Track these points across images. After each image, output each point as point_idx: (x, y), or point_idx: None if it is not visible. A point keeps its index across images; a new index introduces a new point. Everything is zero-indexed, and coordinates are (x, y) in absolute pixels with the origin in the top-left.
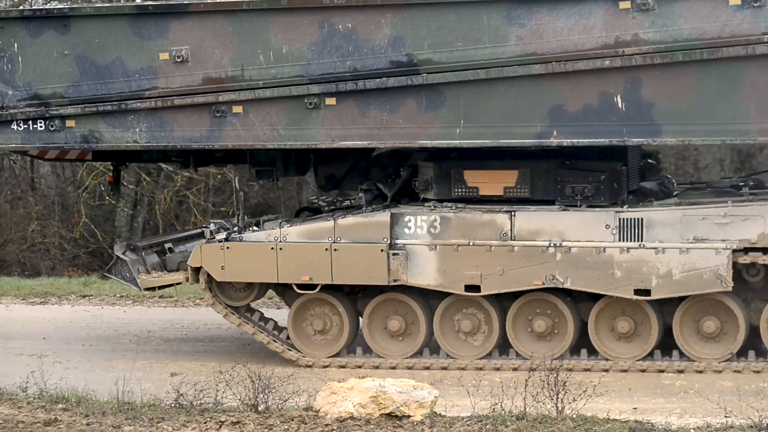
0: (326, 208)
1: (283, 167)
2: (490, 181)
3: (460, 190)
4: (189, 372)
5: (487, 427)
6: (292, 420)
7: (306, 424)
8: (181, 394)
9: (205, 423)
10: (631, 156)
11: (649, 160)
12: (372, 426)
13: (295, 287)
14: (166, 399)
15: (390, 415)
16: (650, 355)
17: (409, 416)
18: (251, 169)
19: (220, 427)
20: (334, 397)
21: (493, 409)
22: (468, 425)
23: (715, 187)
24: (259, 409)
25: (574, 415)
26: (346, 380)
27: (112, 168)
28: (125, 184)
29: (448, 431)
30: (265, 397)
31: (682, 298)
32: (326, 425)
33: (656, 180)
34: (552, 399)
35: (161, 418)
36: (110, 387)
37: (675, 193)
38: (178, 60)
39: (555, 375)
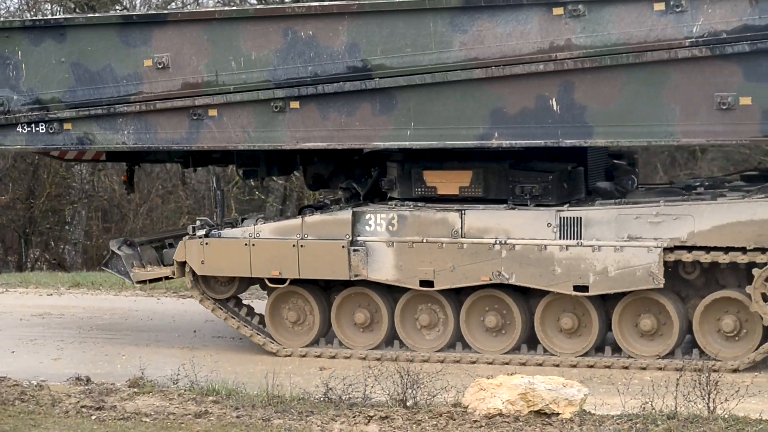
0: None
1: (266, 168)
2: (447, 181)
3: (420, 190)
4: (338, 366)
5: (638, 426)
6: (441, 416)
7: (454, 420)
8: (330, 389)
9: (354, 417)
10: (594, 157)
11: (617, 161)
12: (521, 423)
13: (267, 281)
14: (315, 393)
15: (539, 413)
16: (600, 350)
17: (557, 414)
18: (237, 169)
19: (369, 421)
20: (482, 394)
21: (643, 408)
22: (618, 424)
23: (666, 187)
24: (408, 404)
25: (726, 416)
26: (494, 377)
27: (126, 167)
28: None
29: (597, 429)
30: (414, 392)
31: (621, 296)
32: (474, 422)
33: (622, 180)
34: (703, 399)
35: (310, 411)
36: (260, 380)
37: (628, 193)
38: (160, 66)
39: (707, 375)
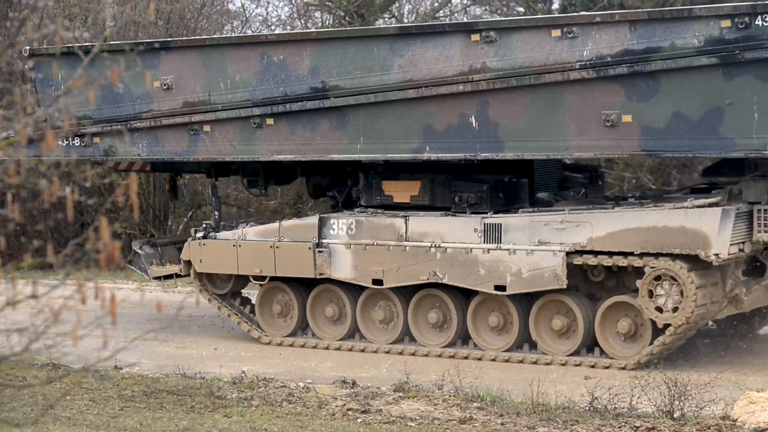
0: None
1: (264, 178)
2: (401, 191)
3: (379, 198)
4: (603, 376)
5: None
6: (708, 429)
7: None
8: (596, 398)
9: (620, 428)
10: (542, 169)
11: (572, 174)
12: None
13: (251, 278)
14: (580, 402)
15: None
16: (519, 347)
17: None
18: (242, 179)
19: None
20: (752, 407)
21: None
22: None
23: (598, 197)
24: (675, 416)
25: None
26: (765, 390)
27: (169, 177)
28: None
29: None
30: (681, 404)
31: (537, 297)
32: None
33: (572, 191)
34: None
35: (575, 420)
36: (524, 388)
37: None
38: (165, 87)
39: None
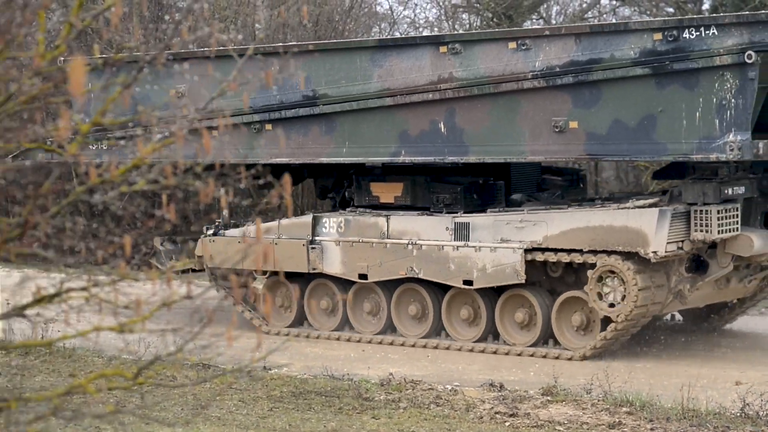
0: None
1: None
2: (386, 192)
3: (368, 199)
4: (755, 382)
5: None
6: None
7: None
8: (747, 404)
9: None
10: (519, 172)
11: (551, 176)
12: None
13: (254, 273)
14: (731, 408)
15: None
16: (485, 339)
17: None
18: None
19: None
20: None
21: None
22: None
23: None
24: None
25: None
26: None
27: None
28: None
29: None
30: None
31: (502, 291)
32: None
33: (547, 192)
34: None
35: (726, 427)
36: (674, 393)
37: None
38: (179, 96)
39: None
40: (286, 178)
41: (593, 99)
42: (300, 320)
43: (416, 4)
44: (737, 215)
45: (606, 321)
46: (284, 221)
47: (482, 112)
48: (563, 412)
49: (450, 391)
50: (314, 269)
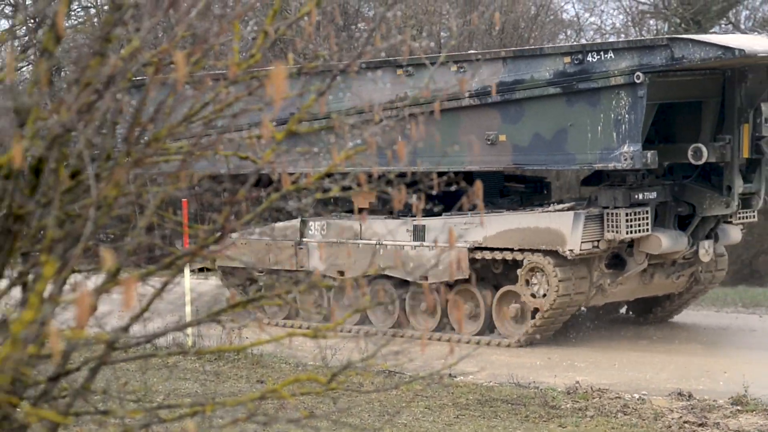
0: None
1: None
2: (364, 199)
3: (349, 204)
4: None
5: None
6: None
7: None
8: None
9: None
10: (483, 180)
11: (513, 184)
12: None
13: (255, 272)
14: None
15: None
16: (443, 329)
17: None
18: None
19: None
20: None
21: None
22: None
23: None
24: None
25: None
26: None
27: None
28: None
29: None
30: None
31: (451, 285)
32: None
33: (510, 198)
34: None
35: None
36: None
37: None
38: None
39: None
40: (478, 185)
41: (518, 115)
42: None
43: (603, 11)
44: (647, 217)
45: (537, 311)
46: (277, 224)
47: (431, 127)
48: (754, 422)
49: (637, 399)
50: (301, 267)
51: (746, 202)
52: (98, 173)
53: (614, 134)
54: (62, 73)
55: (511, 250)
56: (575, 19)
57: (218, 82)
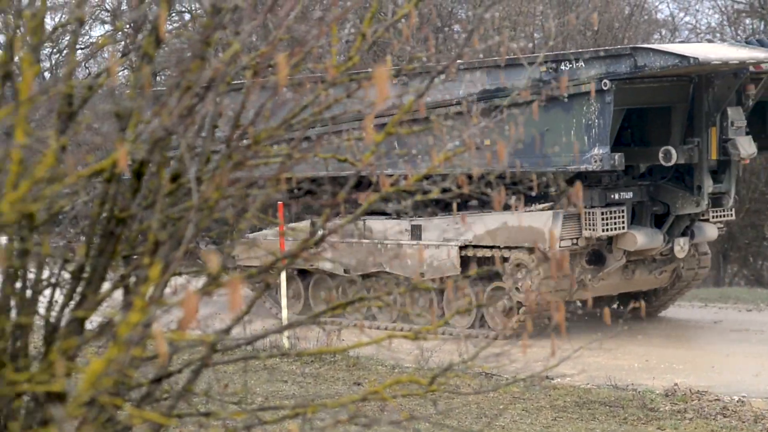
0: None
1: None
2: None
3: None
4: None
5: None
6: None
7: None
8: None
9: None
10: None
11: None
12: None
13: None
14: None
15: None
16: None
17: None
18: None
19: None
20: None
21: None
22: None
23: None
24: None
25: None
26: None
27: None
28: None
29: None
30: None
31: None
32: None
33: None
34: None
35: None
36: None
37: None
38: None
39: None
40: (578, 186)
41: (501, 121)
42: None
43: (698, 10)
44: (623, 216)
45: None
46: (292, 225)
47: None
48: None
49: (737, 402)
50: (312, 265)
51: (717, 201)
52: (199, 176)
53: (585, 138)
54: (158, 78)
55: (498, 247)
56: (670, 18)
57: (317, 84)
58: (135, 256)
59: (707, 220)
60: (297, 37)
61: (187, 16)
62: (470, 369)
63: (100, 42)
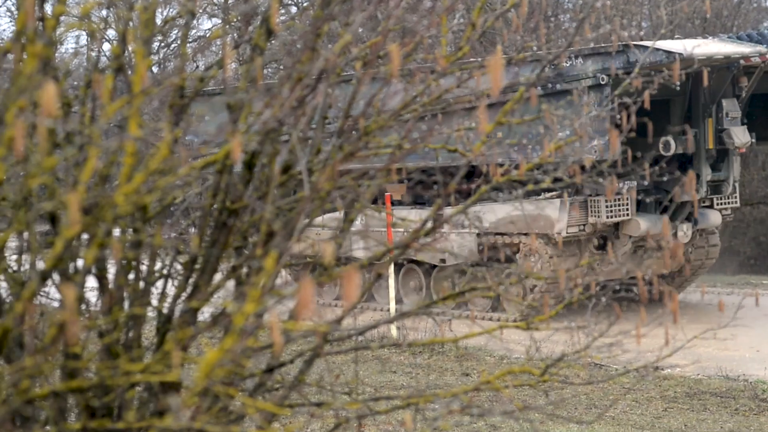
0: None
1: None
2: (395, 191)
3: (380, 199)
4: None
5: None
6: None
7: None
8: None
9: None
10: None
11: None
12: None
13: None
14: None
15: None
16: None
17: None
18: None
19: None
20: None
21: None
22: None
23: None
24: None
25: None
26: None
27: None
28: None
29: None
30: None
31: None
32: None
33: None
34: None
35: None
36: None
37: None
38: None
39: None
40: (691, 174)
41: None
42: None
43: None
44: (627, 203)
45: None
46: (326, 215)
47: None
48: None
49: None
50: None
51: (716, 189)
52: (310, 167)
53: (587, 130)
54: (265, 69)
55: (510, 234)
56: None
57: (426, 75)
58: (246, 247)
59: (710, 207)
60: (407, 27)
61: (293, 9)
62: (582, 359)
63: (212, 34)
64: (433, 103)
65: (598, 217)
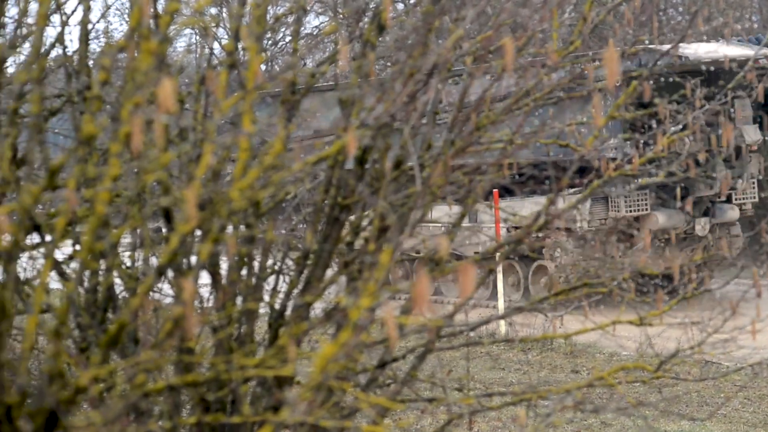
0: None
1: None
2: None
3: None
4: None
5: None
6: None
7: None
8: None
9: None
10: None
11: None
12: None
13: None
14: None
15: None
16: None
17: None
18: None
19: None
20: None
21: None
22: None
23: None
24: None
25: None
26: None
27: None
28: None
29: None
30: None
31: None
32: None
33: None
34: None
35: None
36: None
37: None
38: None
39: None
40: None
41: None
42: None
43: None
44: (646, 198)
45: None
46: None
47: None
48: None
49: None
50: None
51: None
52: (421, 162)
53: (603, 130)
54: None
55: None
56: None
57: (537, 69)
58: (358, 243)
59: (729, 202)
60: (519, 22)
61: (399, 6)
62: (697, 355)
63: (325, 30)
64: (544, 97)
65: (617, 211)
